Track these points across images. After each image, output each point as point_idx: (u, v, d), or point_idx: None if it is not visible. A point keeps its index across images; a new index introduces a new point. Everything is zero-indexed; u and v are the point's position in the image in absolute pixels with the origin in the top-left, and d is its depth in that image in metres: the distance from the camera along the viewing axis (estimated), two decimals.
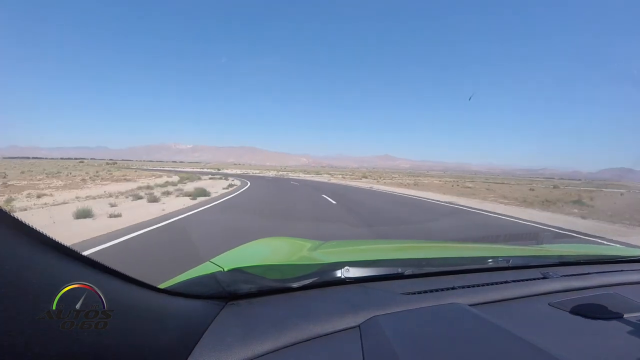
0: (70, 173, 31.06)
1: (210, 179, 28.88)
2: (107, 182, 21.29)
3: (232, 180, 25.78)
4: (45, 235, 0.44)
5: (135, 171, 45.28)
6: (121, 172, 39.29)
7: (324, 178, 44.18)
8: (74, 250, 0.47)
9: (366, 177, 51.88)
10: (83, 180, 21.46)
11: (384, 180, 40.32)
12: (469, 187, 29.93)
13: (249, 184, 22.32)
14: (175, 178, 26.71)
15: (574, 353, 0.70)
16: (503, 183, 52.40)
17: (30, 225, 0.42)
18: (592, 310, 0.89)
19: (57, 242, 0.45)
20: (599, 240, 6.51)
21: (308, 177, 48.92)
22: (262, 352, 0.65)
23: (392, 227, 7.24)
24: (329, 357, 0.65)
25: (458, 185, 33.24)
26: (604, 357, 0.71)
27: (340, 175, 58.17)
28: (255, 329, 0.71)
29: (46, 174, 28.18)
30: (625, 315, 0.87)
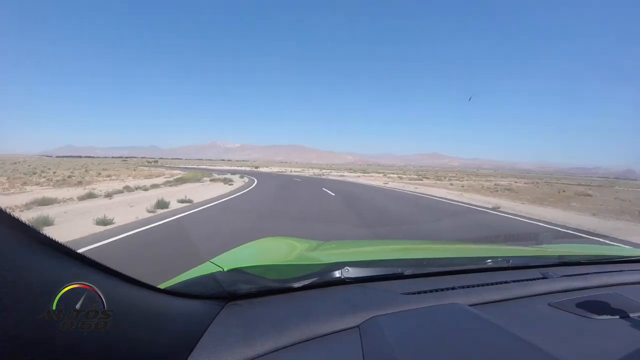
0: (57, 172, 29.86)
1: (210, 181, 22.19)
2: (56, 187, 17.05)
3: (228, 185, 18.30)
4: (45, 235, 0.45)
5: (135, 169, 43.48)
6: (120, 171, 37.25)
7: (375, 180, 32.23)
8: (74, 251, 0.49)
9: (427, 178, 40.75)
10: (38, 184, 18.66)
11: (459, 183, 31.68)
12: (589, 195, 20.76)
13: (244, 192, 14.54)
14: (171, 178, 22.46)
15: (574, 353, 0.72)
16: (601, 186, 43.95)
17: (30, 225, 0.43)
18: (592, 311, 0.91)
19: (57, 242, 0.46)
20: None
21: (353, 177, 37.88)
22: (262, 352, 0.66)
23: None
24: (328, 357, 0.67)
25: (564, 192, 23.85)
26: (605, 357, 0.73)
27: (396, 176, 46.59)
28: (256, 329, 0.73)
29: (32, 172, 27.07)
30: (625, 316, 0.89)
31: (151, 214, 8.05)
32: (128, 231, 6.00)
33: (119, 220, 6.88)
